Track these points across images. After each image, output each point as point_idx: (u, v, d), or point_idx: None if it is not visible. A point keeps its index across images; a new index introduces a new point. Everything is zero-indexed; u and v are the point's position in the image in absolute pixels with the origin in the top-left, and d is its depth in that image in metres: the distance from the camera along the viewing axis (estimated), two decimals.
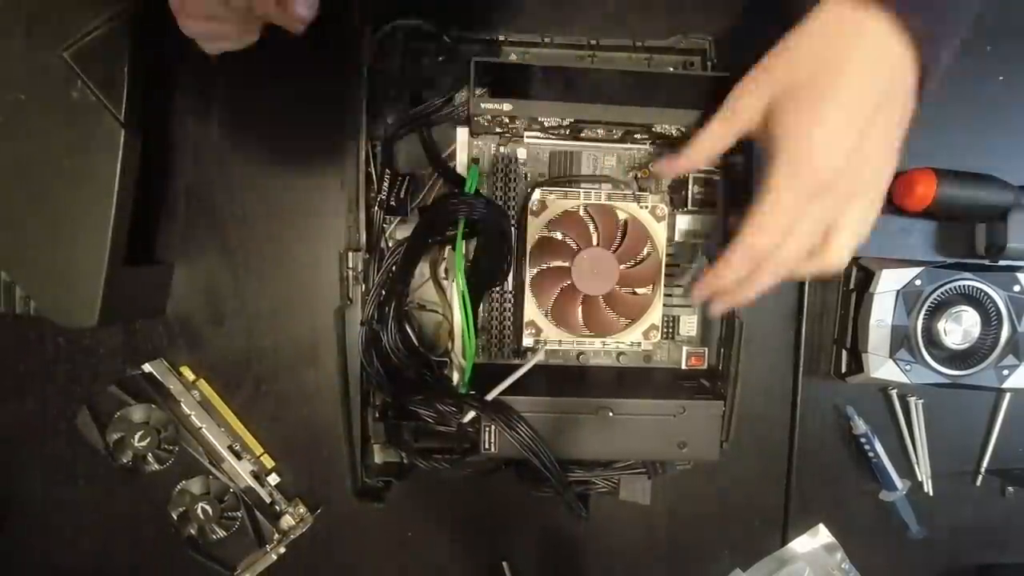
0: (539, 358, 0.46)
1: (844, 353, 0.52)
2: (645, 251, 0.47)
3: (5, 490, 0.52)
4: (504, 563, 0.55)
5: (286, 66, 0.50)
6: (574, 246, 0.46)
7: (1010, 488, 0.56)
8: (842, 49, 0.31)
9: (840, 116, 0.31)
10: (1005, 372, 0.50)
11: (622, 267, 0.46)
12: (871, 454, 0.54)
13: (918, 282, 0.49)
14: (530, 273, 0.47)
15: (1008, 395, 0.55)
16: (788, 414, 0.55)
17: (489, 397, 0.43)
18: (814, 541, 0.56)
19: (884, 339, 0.49)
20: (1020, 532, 0.57)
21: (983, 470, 0.56)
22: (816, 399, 0.55)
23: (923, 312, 0.49)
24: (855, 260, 0.52)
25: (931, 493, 0.56)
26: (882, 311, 0.49)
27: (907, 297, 0.49)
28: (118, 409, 0.49)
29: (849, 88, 0.31)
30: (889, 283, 0.49)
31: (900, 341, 0.49)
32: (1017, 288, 0.49)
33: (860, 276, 0.51)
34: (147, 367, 0.50)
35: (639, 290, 0.47)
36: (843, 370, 0.53)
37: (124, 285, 0.44)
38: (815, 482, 0.55)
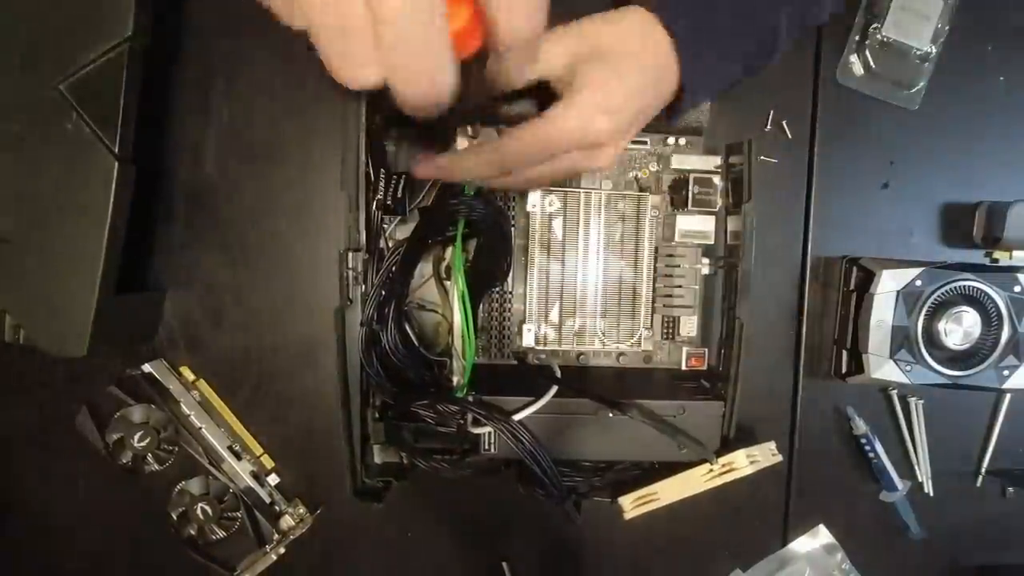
0: (558, 373, 0.47)
1: (844, 354, 0.52)
2: None
3: (5, 490, 0.52)
4: (504, 563, 0.55)
5: (285, 66, 0.50)
6: None
7: (1010, 489, 0.56)
8: (640, 46, 0.38)
9: (633, 90, 0.38)
10: (1006, 373, 0.50)
11: None
12: (871, 455, 0.54)
13: (918, 283, 0.49)
14: None
15: (1008, 396, 0.55)
16: (788, 414, 0.54)
17: (516, 418, 0.43)
18: (814, 541, 0.56)
19: (884, 340, 0.49)
20: (1020, 532, 0.57)
21: (983, 471, 0.56)
22: (816, 399, 0.54)
23: (923, 313, 0.49)
24: (855, 261, 0.52)
25: (931, 494, 0.56)
26: (882, 312, 0.49)
27: (907, 298, 0.49)
28: (118, 409, 0.49)
29: (643, 73, 0.38)
30: (889, 284, 0.49)
31: (900, 342, 0.49)
32: (1017, 288, 0.49)
33: (860, 277, 0.51)
34: (147, 367, 0.50)
35: None
36: (843, 371, 0.52)
37: (114, 314, 0.44)
38: (815, 482, 0.55)
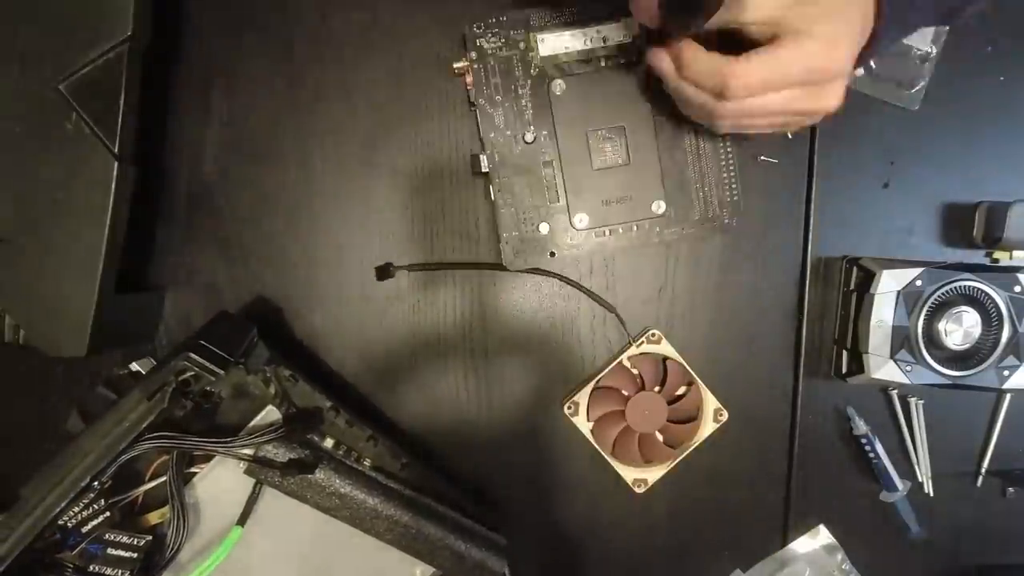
0: None
1: (844, 354, 0.52)
2: (683, 389, 0.52)
3: (5, 490, 0.52)
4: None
5: (285, 66, 0.50)
6: (625, 393, 0.52)
7: (1010, 489, 0.56)
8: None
9: (847, 36, 0.37)
10: (1006, 373, 0.50)
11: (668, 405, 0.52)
12: (871, 455, 0.54)
13: (919, 283, 0.49)
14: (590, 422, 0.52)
15: (1008, 396, 0.55)
16: (788, 414, 0.54)
17: None
18: (814, 542, 0.56)
19: (885, 340, 0.49)
20: (1020, 532, 0.57)
21: (983, 471, 0.56)
22: (816, 400, 0.54)
23: (924, 313, 0.49)
24: (856, 261, 0.52)
25: (931, 494, 0.56)
26: (883, 312, 0.49)
27: (908, 298, 0.49)
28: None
29: (851, 22, 0.37)
30: (889, 284, 0.49)
31: (901, 342, 0.49)
32: (1018, 289, 0.49)
33: (860, 277, 0.51)
34: (134, 366, 0.50)
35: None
36: (843, 371, 0.52)
37: (114, 315, 0.45)
38: (815, 483, 0.55)
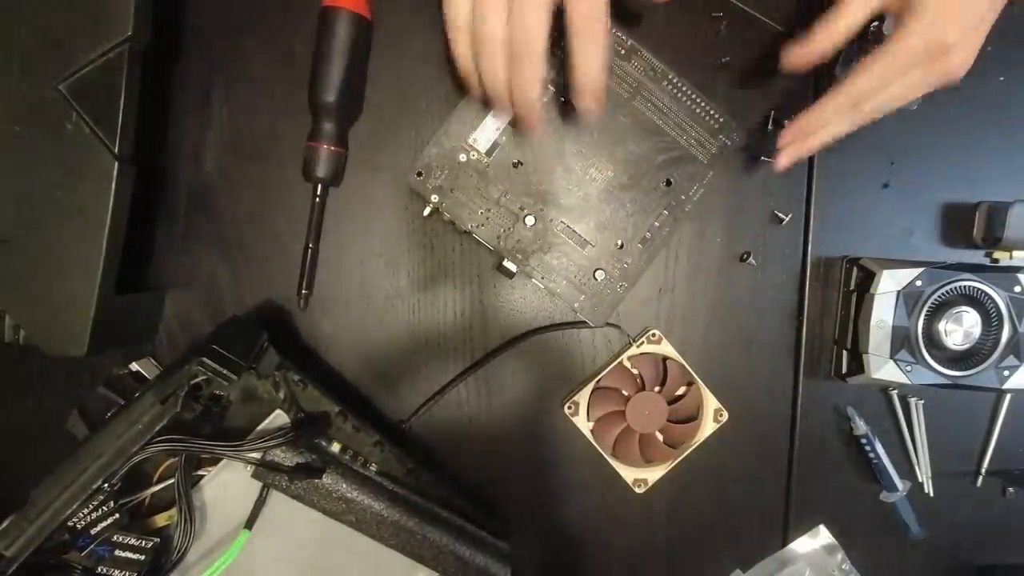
0: None
1: (845, 354, 0.52)
2: (683, 389, 0.52)
3: (4, 491, 0.52)
4: None
5: (285, 66, 0.50)
6: (625, 393, 0.52)
7: (1010, 489, 0.56)
8: None
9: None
10: (1006, 373, 0.50)
11: (668, 405, 0.52)
12: (871, 455, 0.54)
13: (919, 283, 0.49)
14: (590, 422, 0.52)
15: (1008, 396, 0.55)
16: (788, 414, 0.55)
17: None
18: (814, 542, 0.56)
19: (885, 340, 0.49)
20: (1020, 532, 0.57)
21: (983, 471, 0.56)
22: (816, 400, 0.55)
23: (924, 313, 0.49)
24: (855, 261, 0.52)
25: (931, 494, 0.56)
26: (883, 312, 0.49)
27: (908, 298, 0.49)
28: (108, 409, 0.49)
29: None
30: (889, 284, 0.49)
31: (901, 342, 0.49)
32: (1018, 289, 0.49)
33: (860, 277, 0.51)
34: (134, 366, 0.50)
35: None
36: (844, 371, 0.52)
37: (114, 314, 0.45)
38: (815, 483, 0.55)
